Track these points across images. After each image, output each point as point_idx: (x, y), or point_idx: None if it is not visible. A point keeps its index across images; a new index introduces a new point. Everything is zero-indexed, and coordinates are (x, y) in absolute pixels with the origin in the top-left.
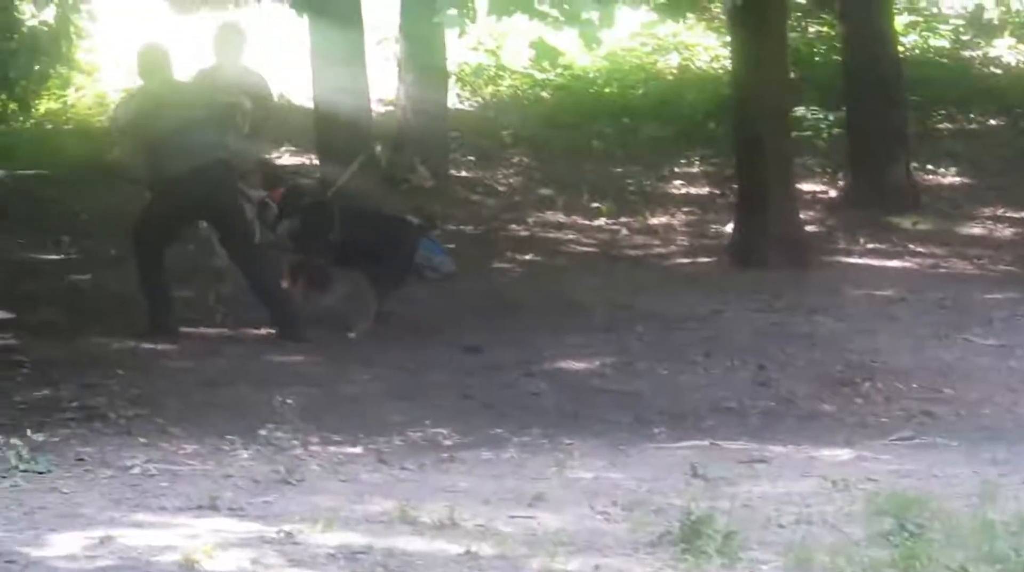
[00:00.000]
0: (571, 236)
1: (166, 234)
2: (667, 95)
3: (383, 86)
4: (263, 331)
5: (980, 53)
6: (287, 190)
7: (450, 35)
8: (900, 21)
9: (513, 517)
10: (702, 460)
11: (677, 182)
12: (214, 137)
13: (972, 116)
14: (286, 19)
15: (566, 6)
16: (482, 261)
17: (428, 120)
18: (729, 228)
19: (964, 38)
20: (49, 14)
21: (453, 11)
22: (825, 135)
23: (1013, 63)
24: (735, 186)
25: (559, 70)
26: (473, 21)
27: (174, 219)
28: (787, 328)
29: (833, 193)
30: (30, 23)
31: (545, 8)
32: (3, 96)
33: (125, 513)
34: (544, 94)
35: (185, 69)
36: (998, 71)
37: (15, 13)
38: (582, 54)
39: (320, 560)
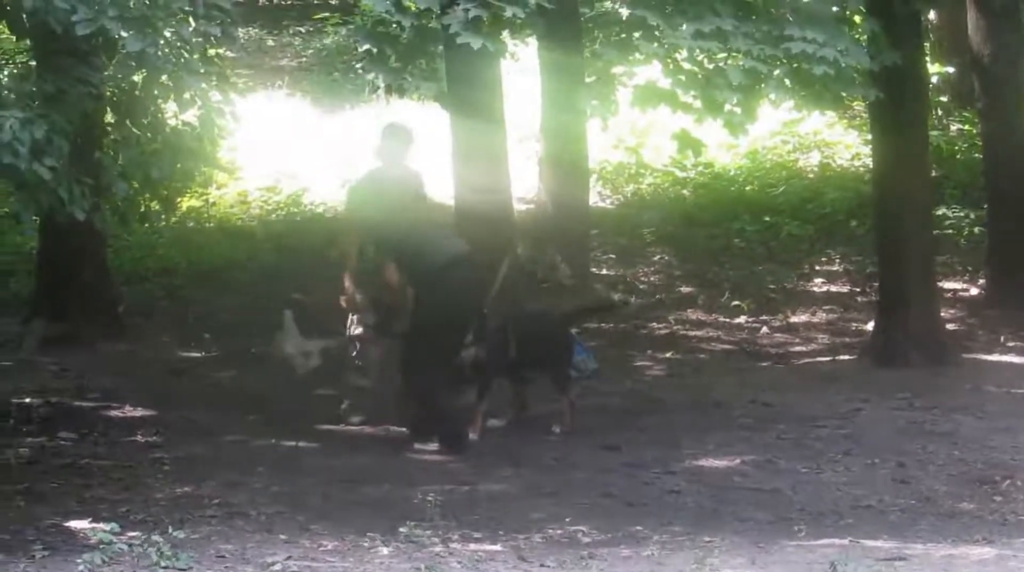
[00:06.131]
0: (712, 334)
1: None
2: (808, 193)
3: (524, 184)
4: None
5: None
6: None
7: (591, 133)
8: None
9: None
10: (842, 558)
11: (818, 280)
12: None
13: None
14: (427, 115)
15: (709, 98)
16: (623, 359)
17: (569, 218)
18: (870, 326)
19: None
20: (192, 115)
21: (595, 102)
22: (966, 233)
23: None
24: (876, 284)
25: (699, 168)
26: (615, 114)
27: None
28: (927, 426)
29: (974, 291)
30: (172, 122)
31: (688, 99)
32: (146, 196)
33: None
34: (685, 192)
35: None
36: None
37: (159, 115)
38: (723, 152)
39: None
